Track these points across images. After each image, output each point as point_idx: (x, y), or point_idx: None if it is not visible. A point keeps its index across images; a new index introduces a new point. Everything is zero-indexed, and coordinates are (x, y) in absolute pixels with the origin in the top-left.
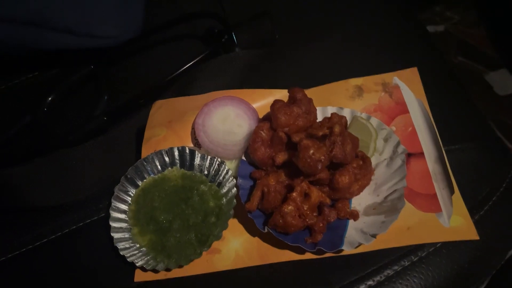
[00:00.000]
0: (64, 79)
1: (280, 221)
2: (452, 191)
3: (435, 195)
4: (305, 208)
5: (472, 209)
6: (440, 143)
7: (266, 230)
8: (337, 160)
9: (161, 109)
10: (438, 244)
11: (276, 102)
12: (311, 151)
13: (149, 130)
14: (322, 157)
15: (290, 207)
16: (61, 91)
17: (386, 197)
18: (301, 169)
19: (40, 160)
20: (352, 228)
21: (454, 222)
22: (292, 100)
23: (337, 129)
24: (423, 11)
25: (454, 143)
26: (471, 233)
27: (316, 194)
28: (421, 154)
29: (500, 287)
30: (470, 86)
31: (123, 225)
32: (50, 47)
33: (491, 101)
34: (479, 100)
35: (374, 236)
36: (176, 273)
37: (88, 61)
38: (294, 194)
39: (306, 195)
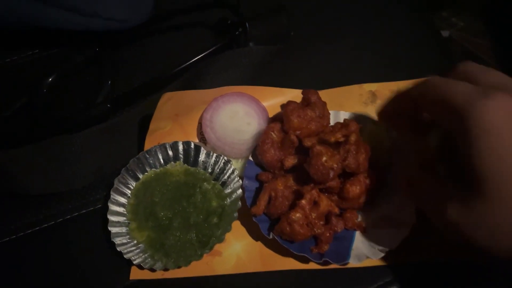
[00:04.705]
0: (67, 60)
1: (287, 228)
2: None
3: None
4: (313, 217)
5: None
6: None
7: (271, 237)
8: (350, 170)
9: (170, 101)
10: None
11: (289, 103)
12: (324, 158)
13: (155, 122)
14: (335, 165)
15: (298, 215)
16: (63, 72)
17: (396, 210)
18: (312, 176)
19: (36, 145)
20: (360, 241)
21: None
22: (306, 102)
23: (353, 137)
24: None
25: None
26: None
27: (325, 203)
28: None
29: None
30: None
31: (121, 219)
32: (53, 25)
33: None
34: None
35: (382, 251)
36: (173, 273)
37: (93, 43)
38: (303, 201)
39: (315, 203)
